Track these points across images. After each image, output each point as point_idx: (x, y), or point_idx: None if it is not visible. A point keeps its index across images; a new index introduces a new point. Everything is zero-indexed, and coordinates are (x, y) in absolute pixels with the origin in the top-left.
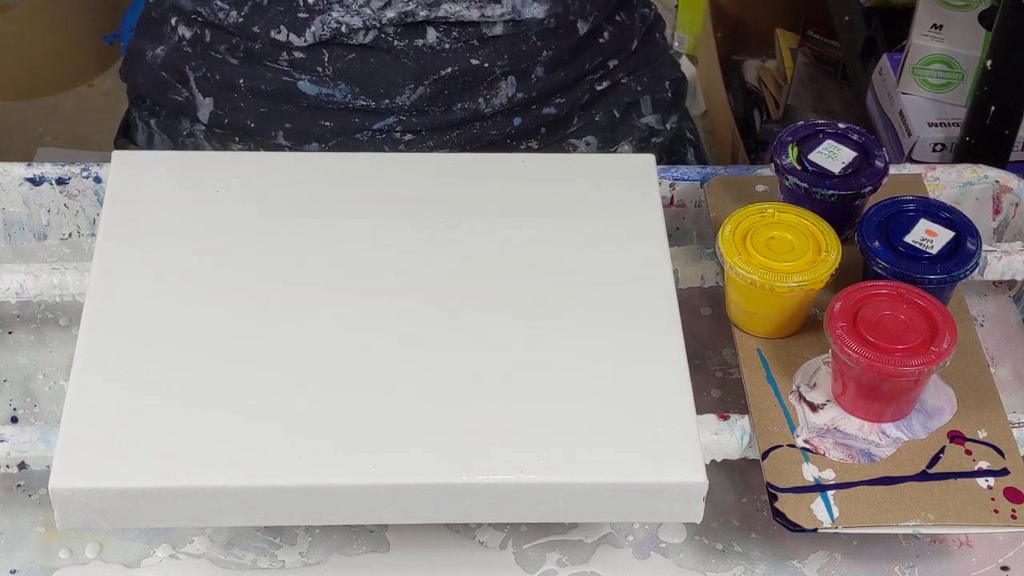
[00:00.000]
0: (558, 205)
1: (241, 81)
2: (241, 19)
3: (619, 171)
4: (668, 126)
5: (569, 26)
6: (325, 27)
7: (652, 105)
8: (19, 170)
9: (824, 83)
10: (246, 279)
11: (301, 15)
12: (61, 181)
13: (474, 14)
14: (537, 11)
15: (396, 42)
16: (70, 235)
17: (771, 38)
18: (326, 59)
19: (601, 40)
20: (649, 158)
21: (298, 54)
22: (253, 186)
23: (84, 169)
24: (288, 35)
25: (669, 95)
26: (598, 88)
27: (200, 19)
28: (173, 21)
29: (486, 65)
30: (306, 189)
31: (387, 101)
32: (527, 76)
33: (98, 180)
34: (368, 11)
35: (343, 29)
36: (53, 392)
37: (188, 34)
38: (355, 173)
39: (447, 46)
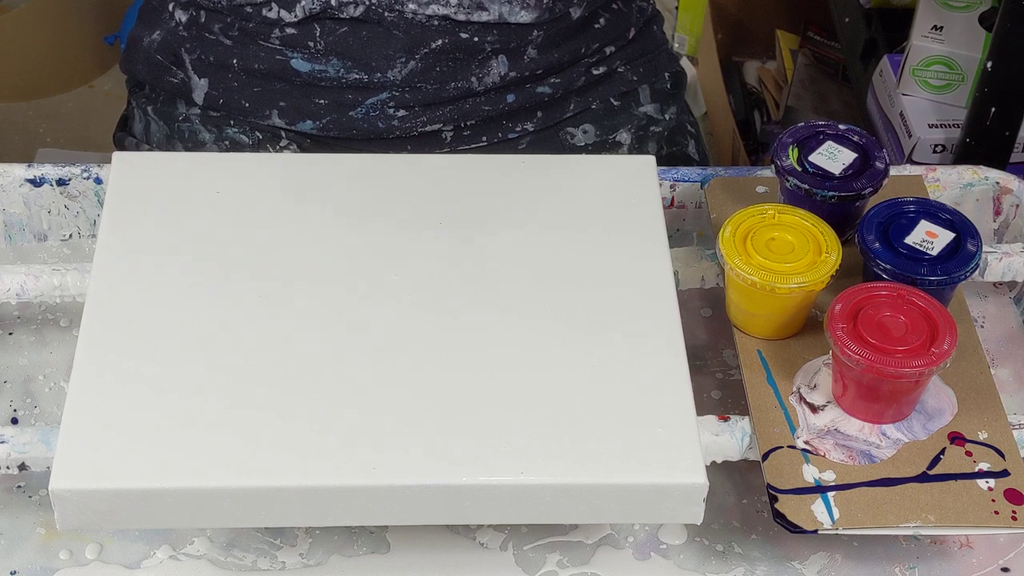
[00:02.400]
0: (558, 206)
1: (235, 61)
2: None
3: (619, 172)
4: (667, 116)
5: (561, 14)
6: (315, 1)
7: (651, 95)
8: (19, 171)
9: (824, 84)
10: (246, 280)
11: None
12: (61, 182)
13: (460, 17)
14: (524, 17)
15: (387, 14)
16: (70, 236)
17: (771, 39)
18: (317, 34)
19: (597, 25)
20: (650, 159)
21: (290, 30)
22: (254, 187)
23: (84, 170)
24: (279, 11)
25: (668, 86)
26: (594, 73)
27: (196, 2)
28: (171, 7)
29: (476, 39)
30: (307, 190)
31: (379, 75)
32: (519, 55)
33: (99, 181)
34: None
35: (333, 2)
36: (53, 393)
37: (184, 18)
38: (356, 174)
39: (436, 22)
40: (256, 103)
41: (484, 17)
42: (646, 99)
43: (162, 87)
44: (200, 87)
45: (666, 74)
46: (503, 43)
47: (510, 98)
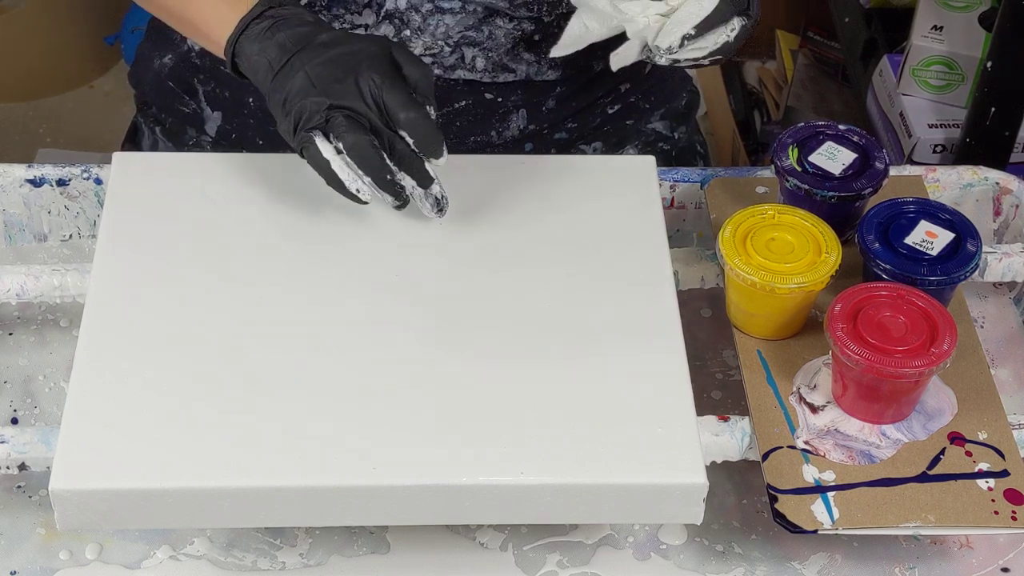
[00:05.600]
0: (559, 206)
1: (251, 100)
2: None
3: (620, 173)
4: (676, 135)
5: (584, 66)
6: None
7: (661, 113)
8: (20, 171)
9: (824, 84)
10: (246, 281)
11: None
12: (62, 183)
13: (486, 80)
14: (551, 76)
15: None
16: (70, 236)
17: (771, 39)
18: None
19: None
20: (650, 160)
21: None
22: (254, 187)
23: (84, 170)
24: None
25: (681, 106)
26: (609, 112)
27: None
28: None
29: (499, 99)
30: (307, 190)
31: None
32: (538, 108)
33: (99, 182)
34: None
35: None
36: (53, 393)
37: (197, 46)
38: None
39: (461, 85)
40: (271, 142)
41: (510, 78)
42: (656, 116)
43: (172, 113)
44: (213, 119)
45: (683, 93)
46: (526, 99)
47: (528, 146)
